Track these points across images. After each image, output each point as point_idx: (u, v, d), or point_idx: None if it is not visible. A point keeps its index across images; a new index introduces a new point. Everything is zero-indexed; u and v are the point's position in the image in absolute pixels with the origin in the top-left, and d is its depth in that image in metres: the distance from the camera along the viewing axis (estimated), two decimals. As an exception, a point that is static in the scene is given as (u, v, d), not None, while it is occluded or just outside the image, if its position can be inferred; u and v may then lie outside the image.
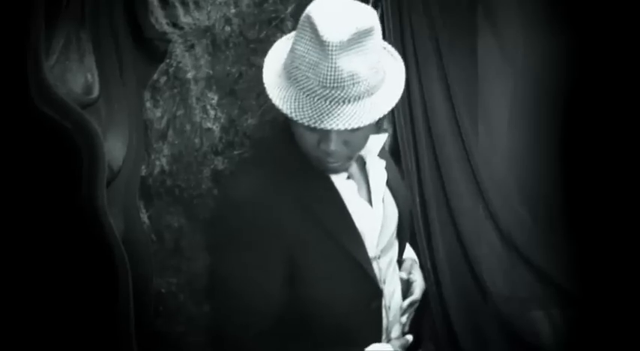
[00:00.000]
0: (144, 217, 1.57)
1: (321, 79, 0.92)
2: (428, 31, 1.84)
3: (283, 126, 1.08)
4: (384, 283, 1.18)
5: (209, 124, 1.58)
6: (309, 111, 0.93)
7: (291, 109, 0.94)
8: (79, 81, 1.04)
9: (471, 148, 1.89)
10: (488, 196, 1.92)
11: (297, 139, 1.03)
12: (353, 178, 1.13)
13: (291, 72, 0.97)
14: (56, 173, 0.92)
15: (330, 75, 0.91)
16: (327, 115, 0.92)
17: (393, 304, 1.21)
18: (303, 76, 0.94)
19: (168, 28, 1.50)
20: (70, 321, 0.97)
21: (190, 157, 1.58)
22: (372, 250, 1.14)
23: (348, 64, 0.91)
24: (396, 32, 1.77)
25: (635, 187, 1.72)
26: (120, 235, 1.08)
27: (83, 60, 1.06)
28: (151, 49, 1.49)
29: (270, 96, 0.98)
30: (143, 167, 1.54)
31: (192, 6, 1.52)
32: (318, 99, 0.93)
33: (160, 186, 1.58)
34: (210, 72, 1.55)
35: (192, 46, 1.53)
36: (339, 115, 0.92)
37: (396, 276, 1.24)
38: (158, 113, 1.55)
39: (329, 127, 0.92)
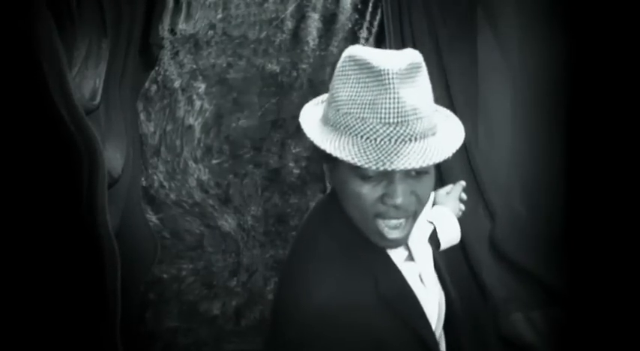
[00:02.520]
0: (151, 217, 1.60)
1: (382, 116, 0.82)
2: (428, 31, 1.84)
3: (330, 205, 0.96)
4: None
5: (191, 120, 1.61)
6: (374, 153, 0.82)
7: (352, 155, 0.82)
8: (89, 86, 1.04)
9: (471, 148, 1.89)
10: (488, 196, 1.93)
11: (352, 205, 0.88)
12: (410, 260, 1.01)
13: (338, 121, 0.86)
14: (59, 172, 0.93)
15: (393, 108, 0.82)
16: (396, 154, 0.81)
17: None
18: (357, 119, 0.83)
19: (166, 34, 1.53)
20: (58, 315, 0.98)
21: (185, 174, 1.63)
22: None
23: (409, 96, 0.83)
24: (396, 32, 1.77)
25: (633, 185, 1.72)
26: (114, 229, 1.09)
27: (98, 67, 1.06)
28: (149, 55, 1.51)
29: (323, 147, 0.84)
30: (142, 178, 1.58)
31: (192, 13, 1.55)
32: (381, 139, 0.82)
33: (165, 198, 1.62)
34: (194, 66, 1.58)
35: (176, 53, 1.56)
36: (408, 153, 0.82)
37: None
38: (151, 128, 1.58)
39: (401, 167, 0.80)
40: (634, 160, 1.70)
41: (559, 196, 1.87)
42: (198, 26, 1.56)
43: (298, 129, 1.66)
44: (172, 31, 1.55)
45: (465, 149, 1.89)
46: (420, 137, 0.83)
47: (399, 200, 0.84)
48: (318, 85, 1.66)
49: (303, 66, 1.64)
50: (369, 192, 0.85)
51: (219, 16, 1.56)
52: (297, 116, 1.66)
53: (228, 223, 1.67)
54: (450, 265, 1.73)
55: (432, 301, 1.01)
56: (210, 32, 1.57)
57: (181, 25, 1.55)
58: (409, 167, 0.80)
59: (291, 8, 1.60)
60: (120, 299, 1.01)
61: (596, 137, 1.78)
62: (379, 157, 0.80)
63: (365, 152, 0.82)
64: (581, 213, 1.80)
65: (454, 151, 0.86)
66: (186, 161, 1.61)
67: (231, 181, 1.65)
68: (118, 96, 1.29)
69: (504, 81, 2.02)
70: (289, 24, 1.61)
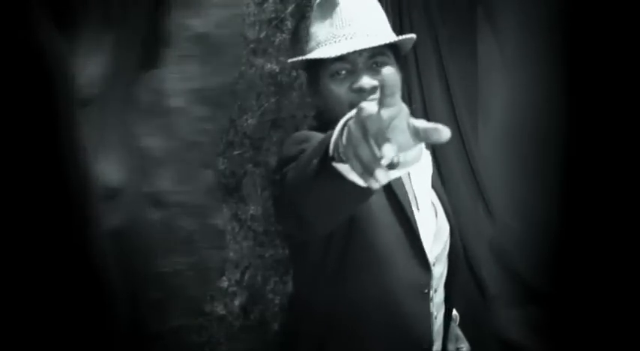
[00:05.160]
0: (152, 215, 1.60)
1: (335, 22, 1.07)
2: (428, 31, 1.84)
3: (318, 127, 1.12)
4: (435, 292, 1.12)
5: (196, 138, 1.58)
6: (332, 49, 1.05)
7: (316, 55, 1.06)
8: (90, 73, 1.05)
9: (470, 148, 1.90)
10: (487, 195, 1.93)
11: (331, 106, 1.08)
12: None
13: (311, 46, 1.11)
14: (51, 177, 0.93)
15: (339, 15, 1.07)
16: (348, 44, 1.04)
17: (439, 317, 1.15)
18: (322, 35, 1.08)
19: (175, 31, 1.48)
20: (53, 319, 0.98)
21: (195, 180, 1.61)
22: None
23: (352, 6, 1.08)
24: (395, 32, 1.77)
25: (628, 189, 1.72)
26: (116, 228, 1.08)
27: (100, 58, 1.07)
28: (153, 53, 1.48)
29: (303, 58, 1.09)
30: (146, 185, 1.56)
31: (203, 8, 1.51)
32: (337, 40, 1.06)
33: (171, 200, 1.60)
34: (198, 85, 1.54)
35: (182, 58, 1.52)
36: (357, 41, 1.04)
37: (442, 293, 1.18)
38: (152, 143, 1.55)
39: (351, 48, 1.02)
40: (634, 161, 1.70)
41: (557, 197, 1.87)
42: (210, 23, 1.52)
43: (298, 128, 1.66)
44: (182, 29, 1.50)
45: (464, 149, 1.89)
46: (369, 35, 1.06)
47: (361, 81, 1.04)
48: (308, 89, 1.65)
49: (295, 66, 1.63)
50: (340, 85, 1.06)
51: (228, 13, 1.54)
52: (296, 116, 1.65)
53: (224, 221, 1.66)
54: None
55: (422, 215, 1.11)
56: (223, 31, 1.55)
57: (191, 21, 1.51)
58: (358, 47, 1.02)
59: (291, 8, 1.60)
60: (121, 301, 1.01)
61: (595, 137, 1.78)
62: (336, 49, 1.05)
63: (325, 50, 1.06)
64: (579, 214, 1.80)
65: (399, 39, 1.10)
66: (197, 168, 1.60)
67: (230, 180, 1.65)
68: (114, 96, 1.28)
69: (504, 81, 2.02)
70: (289, 24, 1.61)
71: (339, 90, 1.06)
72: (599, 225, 1.75)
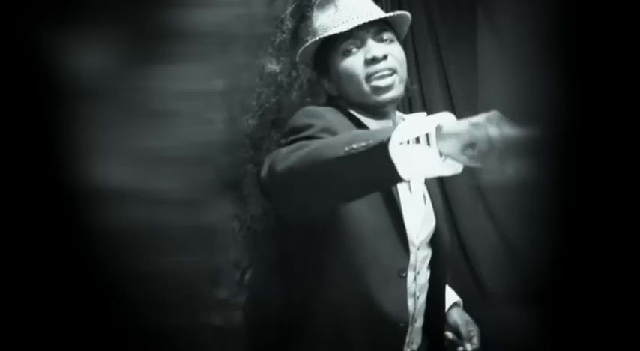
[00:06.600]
0: (149, 213, 1.60)
1: (339, 8, 1.16)
2: (428, 31, 1.85)
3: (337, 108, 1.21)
4: (418, 274, 1.19)
5: (200, 138, 1.58)
6: (341, 28, 1.14)
7: (327, 34, 1.15)
8: (90, 69, 1.05)
9: (470, 148, 1.90)
10: (487, 194, 1.93)
11: (348, 81, 1.17)
12: None
13: (317, 33, 1.20)
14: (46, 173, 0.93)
15: (341, 3, 1.17)
16: (355, 22, 1.13)
17: (421, 297, 1.22)
18: (329, 21, 1.17)
19: (183, 25, 1.47)
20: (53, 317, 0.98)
21: (197, 176, 1.61)
22: (411, 235, 1.15)
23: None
24: (395, 32, 1.77)
25: (629, 188, 1.72)
26: (115, 228, 1.09)
27: (101, 55, 1.08)
28: (150, 49, 1.47)
29: (316, 39, 1.18)
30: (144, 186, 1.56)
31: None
32: (344, 21, 1.15)
33: (172, 197, 1.60)
34: (202, 86, 1.53)
35: (182, 57, 1.50)
36: (363, 19, 1.14)
37: (427, 274, 1.24)
38: (155, 143, 1.53)
39: (361, 21, 1.12)
40: (634, 159, 1.70)
41: (557, 196, 1.88)
42: (212, 22, 1.50)
43: (298, 128, 1.66)
44: (184, 27, 1.48)
45: (464, 148, 1.89)
46: (374, 14, 1.16)
47: (373, 51, 1.13)
48: (317, 85, 1.65)
49: (303, 65, 1.63)
50: (354, 60, 1.15)
51: (232, 12, 1.52)
52: (296, 115, 1.61)
53: (223, 221, 1.66)
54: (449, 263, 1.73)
55: (413, 201, 1.18)
56: (225, 30, 1.53)
57: (193, 20, 1.49)
58: (361, 21, 1.12)
59: (291, 8, 1.60)
60: (119, 301, 1.02)
61: (597, 136, 1.78)
62: (343, 26, 1.13)
63: (336, 30, 1.14)
64: (579, 214, 1.80)
65: (396, 14, 1.19)
66: (196, 168, 1.59)
67: (230, 180, 1.65)
68: (113, 94, 1.28)
69: (504, 81, 2.02)
70: (289, 24, 1.61)
71: (354, 64, 1.15)
72: (600, 224, 1.75)
